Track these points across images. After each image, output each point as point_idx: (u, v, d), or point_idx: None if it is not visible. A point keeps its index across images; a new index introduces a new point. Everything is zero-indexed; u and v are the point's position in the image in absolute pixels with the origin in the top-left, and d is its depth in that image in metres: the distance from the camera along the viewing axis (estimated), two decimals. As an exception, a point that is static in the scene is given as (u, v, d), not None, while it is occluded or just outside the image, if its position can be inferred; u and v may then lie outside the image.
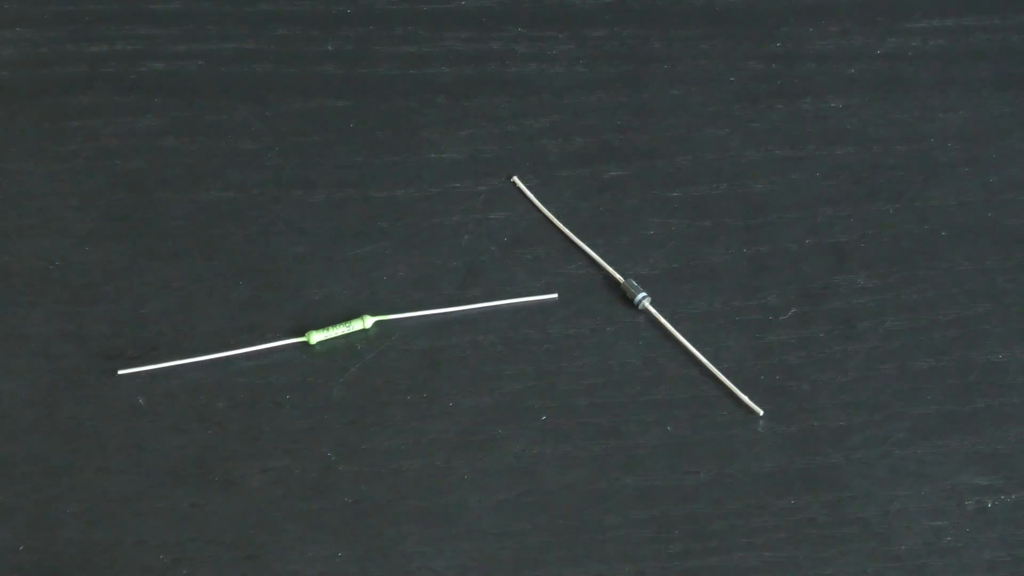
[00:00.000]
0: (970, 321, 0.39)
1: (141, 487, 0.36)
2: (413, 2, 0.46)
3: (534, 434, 0.37)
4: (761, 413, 0.37)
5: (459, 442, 0.37)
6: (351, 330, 0.38)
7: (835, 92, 0.45)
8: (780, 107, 0.44)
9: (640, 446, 0.37)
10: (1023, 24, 0.46)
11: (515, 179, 0.41)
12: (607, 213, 0.42)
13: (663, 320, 0.39)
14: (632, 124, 0.44)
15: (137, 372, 0.38)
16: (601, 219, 0.41)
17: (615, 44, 0.46)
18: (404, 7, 0.46)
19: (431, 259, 0.40)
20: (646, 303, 0.39)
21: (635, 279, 0.39)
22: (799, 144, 0.43)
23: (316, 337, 0.38)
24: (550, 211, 0.41)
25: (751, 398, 0.37)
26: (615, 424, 0.37)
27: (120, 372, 0.38)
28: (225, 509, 0.36)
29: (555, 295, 0.39)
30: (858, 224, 0.42)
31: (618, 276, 0.40)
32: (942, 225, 0.42)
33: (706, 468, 0.36)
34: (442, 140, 0.43)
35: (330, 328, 0.38)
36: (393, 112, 0.44)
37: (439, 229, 0.41)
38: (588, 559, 0.35)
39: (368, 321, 0.38)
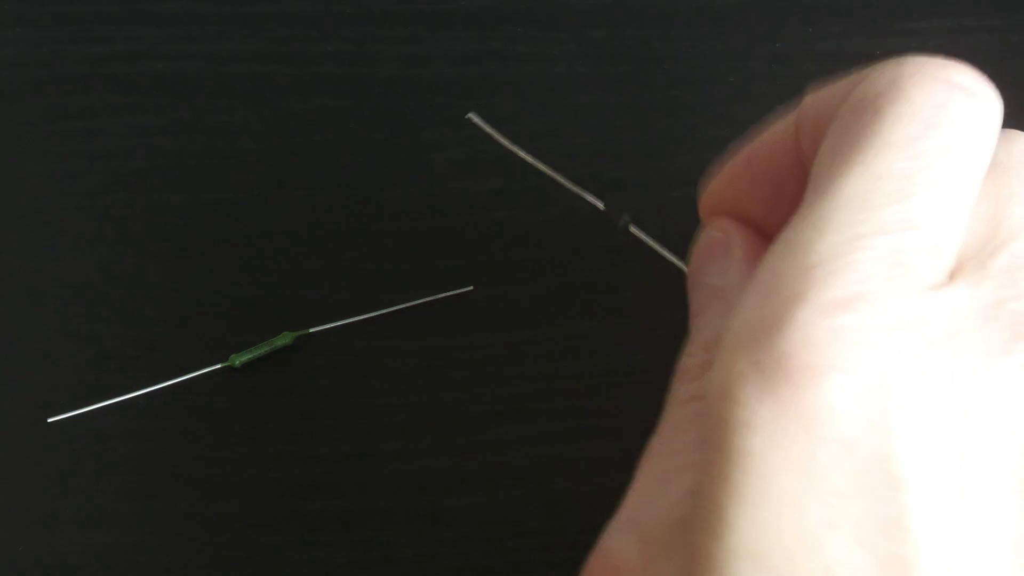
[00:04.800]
0: (970, 321, 0.39)
1: (141, 487, 0.36)
2: (413, 2, 0.46)
3: (534, 434, 0.37)
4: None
5: (459, 442, 0.37)
6: (274, 347, 0.38)
7: (835, 92, 0.45)
8: (780, 107, 0.44)
9: (641, 447, 0.37)
10: (1023, 24, 0.46)
11: (471, 115, 0.40)
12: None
13: (649, 240, 0.37)
14: (632, 124, 0.44)
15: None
16: (601, 219, 0.41)
17: (615, 44, 0.46)
18: (404, 7, 0.46)
19: (431, 259, 0.40)
20: (630, 226, 0.37)
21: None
22: (799, 144, 0.43)
23: (240, 360, 0.38)
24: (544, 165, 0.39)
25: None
26: (615, 424, 0.37)
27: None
28: (225, 509, 0.36)
29: (471, 287, 0.39)
30: (858, 224, 0.41)
31: (598, 203, 0.38)
32: (942, 225, 0.42)
33: (706, 468, 0.36)
34: (442, 140, 0.43)
35: (253, 349, 0.38)
36: (393, 112, 0.44)
37: (439, 229, 0.41)
38: (588, 559, 0.35)
39: (290, 337, 0.38)
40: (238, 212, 0.41)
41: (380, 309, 0.39)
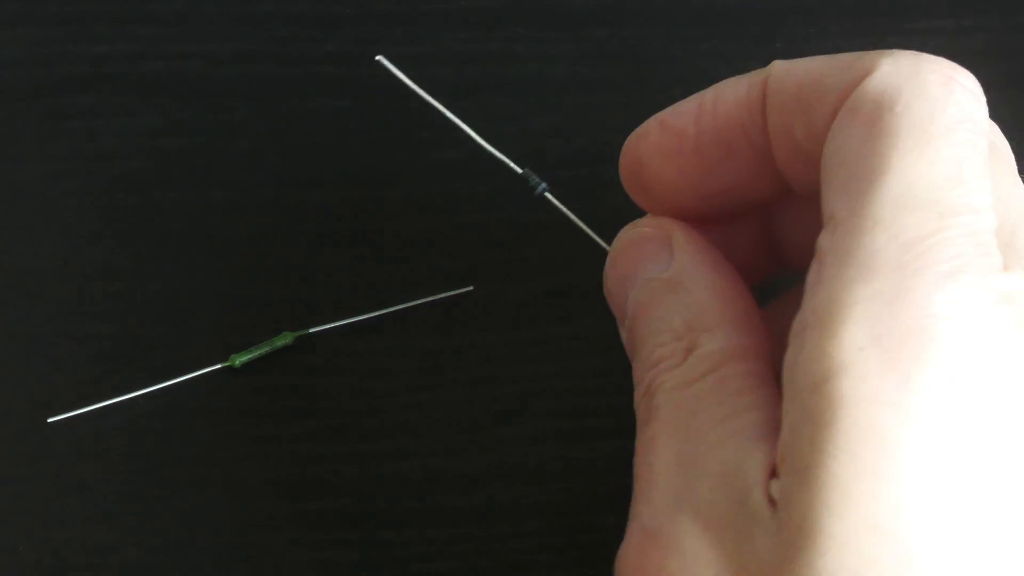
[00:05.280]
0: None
1: (141, 487, 0.36)
2: (413, 2, 0.46)
3: (534, 434, 0.37)
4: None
5: (459, 442, 0.37)
6: (274, 347, 0.38)
7: (835, 92, 0.44)
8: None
9: (640, 446, 0.37)
10: (1023, 24, 0.46)
11: (380, 58, 0.39)
12: (608, 214, 0.42)
13: (563, 208, 0.37)
14: (632, 124, 0.44)
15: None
16: (601, 219, 0.41)
17: (615, 44, 0.46)
18: (404, 7, 0.46)
19: (431, 259, 0.40)
20: (546, 193, 0.37)
21: None
22: (799, 144, 0.43)
23: (240, 360, 0.38)
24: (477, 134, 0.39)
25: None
26: (615, 424, 0.37)
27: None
28: (225, 509, 0.36)
29: (471, 287, 0.39)
30: (858, 224, 0.41)
31: (516, 168, 0.38)
32: (942, 225, 0.42)
33: (706, 468, 0.36)
34: (442, 140, 0.43)
35: (253, 349, 0.38)
36: (393, 112, 0.44)
37: (439, 229, 0.41)
38: (589, 561, 0.35)
39: (290, 337, 0.38)
40: (238, 212, 0.41)
41: (380, 309, 0.39)
